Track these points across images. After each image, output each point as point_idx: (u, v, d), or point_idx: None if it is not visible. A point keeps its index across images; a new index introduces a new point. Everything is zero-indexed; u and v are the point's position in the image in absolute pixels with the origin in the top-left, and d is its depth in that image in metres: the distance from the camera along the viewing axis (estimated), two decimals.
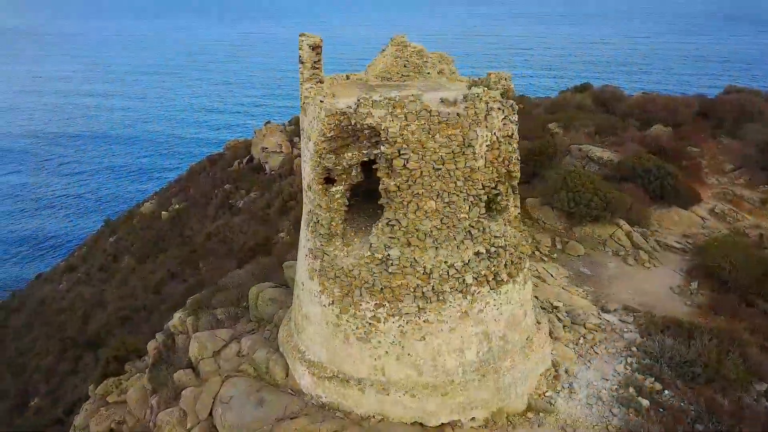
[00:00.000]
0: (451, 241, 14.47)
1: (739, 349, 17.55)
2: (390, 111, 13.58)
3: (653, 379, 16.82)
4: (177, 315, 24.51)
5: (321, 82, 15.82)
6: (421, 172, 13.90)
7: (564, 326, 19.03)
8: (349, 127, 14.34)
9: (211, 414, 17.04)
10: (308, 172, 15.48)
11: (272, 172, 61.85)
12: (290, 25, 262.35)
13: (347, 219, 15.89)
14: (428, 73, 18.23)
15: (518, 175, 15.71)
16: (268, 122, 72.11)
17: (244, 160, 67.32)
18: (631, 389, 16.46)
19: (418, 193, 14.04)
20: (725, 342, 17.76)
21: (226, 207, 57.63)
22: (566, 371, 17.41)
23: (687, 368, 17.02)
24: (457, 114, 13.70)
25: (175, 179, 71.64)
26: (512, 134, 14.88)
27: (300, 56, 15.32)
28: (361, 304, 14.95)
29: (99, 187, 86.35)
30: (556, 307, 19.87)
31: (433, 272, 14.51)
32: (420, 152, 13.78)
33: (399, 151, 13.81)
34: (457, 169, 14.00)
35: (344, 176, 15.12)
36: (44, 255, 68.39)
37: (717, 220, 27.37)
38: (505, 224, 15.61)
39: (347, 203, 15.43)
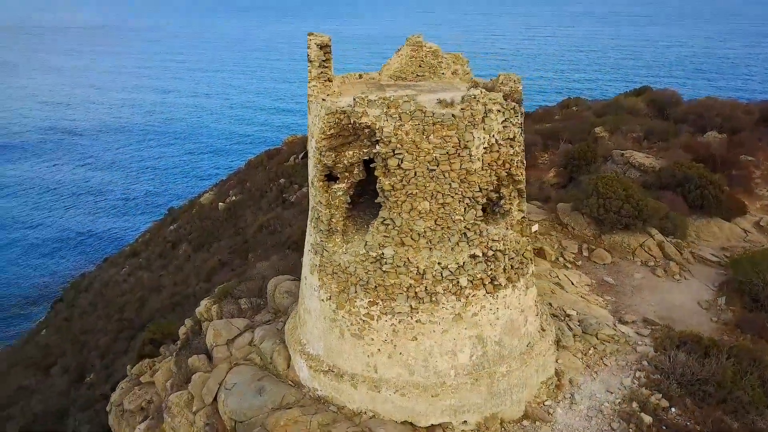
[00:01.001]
0: (446, 242, 14.42)
1: (758, 370, 16.66)
2: (385, 110, 13.68)
3: (660, 395, 16.18)
4: (204, 302, 25.40)
5: (330, 80, 16.06)
6: (415, 172, 13.93)
7: (574, 335, 18.58)
8: (349, 125, 14.53)
9: (216, 399, 17.64)
10: (311, 169, 15.77)
11: None
12: (356, 23, 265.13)
13: (352, 216, 16.11)
14: (443, 73, 18.18)
15: (522, 178, 15.48)
16: None
17: (300, 156, 68.81)
18: (634, 404, 15.92)
19: (412, 194, 14.08)
20: (744, 362, 16.91)
21: (279, 200, 59.03)
22: (570, 381, 17.02)
23: (698, 386, 16.30)
24: (453, 115, 13.64)
25: (234, 172, 73.75)
26: (514, 137, 14.67)
27: (308, 55, 15.62)
28: (355, 301, 15.13)
29: (164, 181, 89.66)
30: (569, 315, 19.41)
31: (426, 273, 14.51)
32: (414, 152, 13.81)
33: (393, 151, 13.89)
34: (452, 170, 13.94)
35: (347, 174, 15.34)
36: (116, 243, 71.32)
37: (761, 234, 25.95)
38: (507, 228, 15.41)
39: (349, 201, 15.64)
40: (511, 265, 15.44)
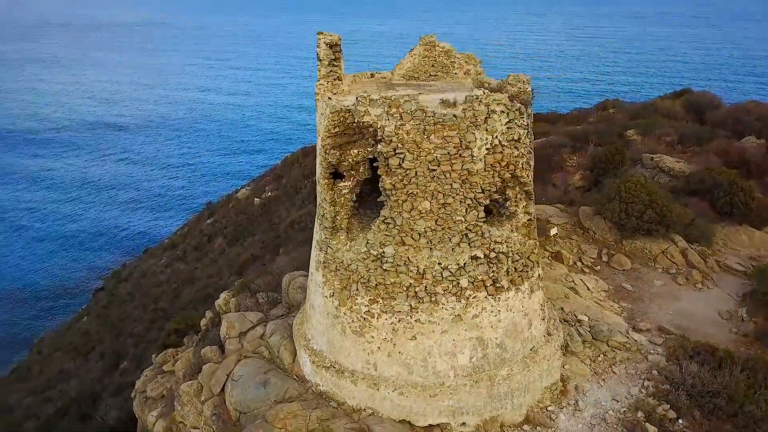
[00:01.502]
0: (446, 243, 14.39)
1: None
2: (386, 110, 13.73)
3: (668, 406, 15.80)
4: (223, 295, 25.92)
5: (339, 79, 16.19)
6: (416, 172, 13.94)
7: (584, 341, 18.28)
8: (354, 124, 14.63)
9: (223, 390, 18.01)
10: (317, 167, 15.94)
11: None
12: (391, 22, 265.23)
13: (359, 214, 16.24)
14: (455, 73, 18.11)
15: (529, 180, 15.30)
16: None
17: None
18: (640, 414, 15.59)
19: (412, 193, 14.10)
20: (759, 375, 16.35)
21: (312, 197, 59.60)
22: (576, 387, 16.77)
23: (709, 399, 15.85)
24: (454, 115, 13.60)
25: (271, 168, 74.70)
26: (519, 138, 14.51)
27: (317, 54, 15.78)
28: (357, 299, 15.24)
29: (201, 177, 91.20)
30: (580, 321, 19.10)
31: (426, 273, 14.51)
32: (415, 152, 13.82)
33: (395, 150, 13.93)
34: (453, 171, 13.90)
35: (352, 173, 15.46)
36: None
37: None
38: (511, 230, 15.27)
39: (355, 199, 15.77)
40: (515, 268, 15.29)
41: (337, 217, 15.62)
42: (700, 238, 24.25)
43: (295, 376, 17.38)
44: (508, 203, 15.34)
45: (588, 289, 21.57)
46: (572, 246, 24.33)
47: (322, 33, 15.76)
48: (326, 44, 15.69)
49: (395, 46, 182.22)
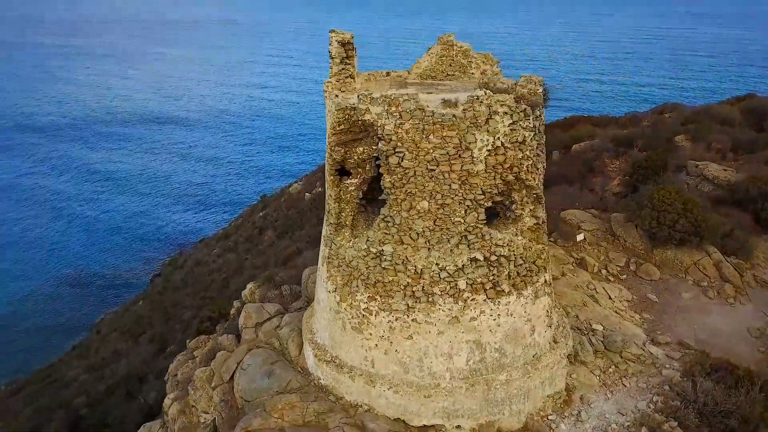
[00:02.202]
0: (445, 243, 14.30)
1: None
2: (386, 108, 13.78)
3: (676, 423, 15.17)
4: (249, 286, 26.61)
5: (351, 77, 16.32)
6: (415, 171, 13.93)
7: (596, 351, 17.78)
8: (359, 122, 14.75)
9: (232, 378, 18.51)
10: (326, 163, 16.14)
11: None
12: (456, 20, 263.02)
13: (368, 212, 16.35)
14: (472, 73, 17.92)
15: (536, 184, 15.01)
16: None
17: None
18: (644, 429, 15.04)
19: (411, 192, 14.09)
20: None
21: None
22: (581, 398, 16.34)
23: (720, 418, 15.12)
24: (454, 115, 13.49)
25: (322, 166, 75.44)
26: (524, 140, 14.26)
27: (330, 51, 15.96)
28: (356, 295, 15.36)
29: (256, 172, 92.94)
30: (594, 330, 18.57)
31: (424, 273, 14.47)
32: (414, 151, 13.81)
33: (394, 149, 13.96)
34: (452, 171, 13.81)
35: (359, 170, 15.58)
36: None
37: None
38: (516, 234, 15.02)
39: (362, 197, 15.88)
40: (518, 272, 15.04)
41: (342, 214, 15.78)
42: (738, 250, 23.07)
43: (299, 369, 17.68)
44: (513, 206, 15.12)
45: (610, 298, 20.93)
46: (599, 253, 23.64)
47: (334, 31, 15.92)
48: (338, 42, 15.84)
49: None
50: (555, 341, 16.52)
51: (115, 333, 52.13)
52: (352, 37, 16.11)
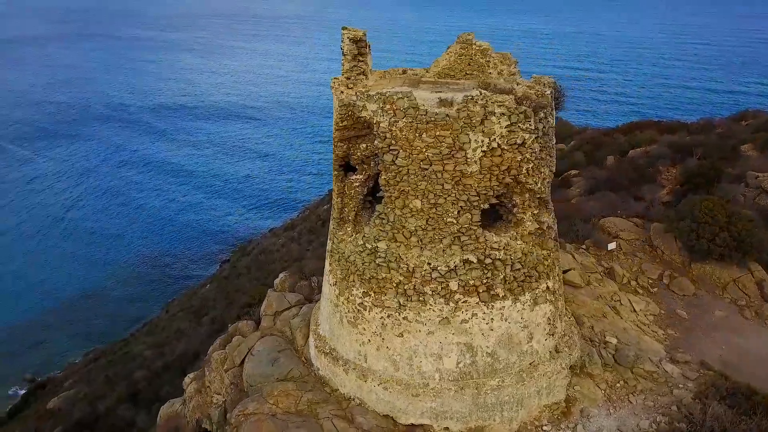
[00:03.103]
0: (437, 243, 14.23)
1: None
2: (381, 106, 13.84)
3: None
4: (281, 275, 27.30)
5: (364, 74, 16.47)
6: (408, 170, 13.92)
7: (605, 364, 17.12)
8: (360, 119, 14.89)
9: (243, 362, 19.15)
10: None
11: None
12: (552, 20, 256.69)
13: (374, 208, 16.47)
14: (490, 73, 17.62)
15: (539, 188, 14.65)
16: None
17: None
18: None
19: (404, 191, 14.10)
20: None
21: None
22: (581, 411, 15.82)
23: None
24: (447, 115, 13.38)
25: None
26: (524, 143, 13.93)
27: (341, 48, 16.17)
28: (353, 290, 15.54)
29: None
30: (608, 343, 17.87)
31: (416, 271, 14.46)
32: (408, 150, 13.81)
33: (389, 146, 14.01)
34: (445, 171, 13.70)
35: (364, 167, 15.73)
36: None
37: None
38: (514, 238, 14.72)
39: (366, 193, 16.03)
40: (515, 277, 14.73)
41: (345, 209, 15.98)
42: None
43: (303, 359, 18.07)
44: (515, 209, 14.82)
45: (634, 310, 20.05)
46: (633, 264, 22.65)
47: (346, 28, 16.12)
48: (350, 39, 16.03)
49: (535, 44, 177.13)
50: (557, 350, 16.05)
51: (181, 313, 54.82)
52: (365, 34, 16.24)
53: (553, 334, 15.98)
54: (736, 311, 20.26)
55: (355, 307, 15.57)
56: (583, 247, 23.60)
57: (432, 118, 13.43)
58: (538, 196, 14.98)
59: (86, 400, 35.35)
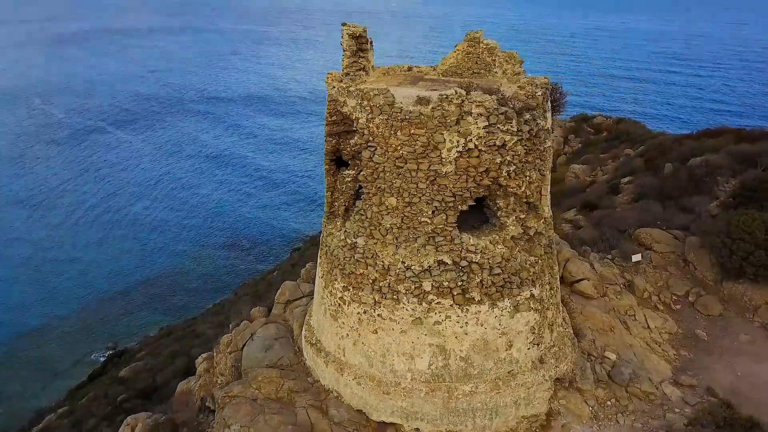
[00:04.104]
0: (412, 242, 14.12)
1: None
2: (359, 102, 13.88)
3: None
4: (308, 265, 27.85)
5: (364, 70, 16.55)
6: (384, 167, 13.89)
7: (598, 380, 16.36)
8: (344, 114, 14.99)
9: (245, 346, 19.79)
10: None
11: None
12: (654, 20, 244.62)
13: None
14: (495, 72, 17.18)
15: (523, 191, 14.21)
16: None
17: None
18: None
19: (381, 188, 14.08)
20: None
21: None
22: (563, 426, 15.26)
23: None
24: (421, 113, 13.23)
25: None
26: (504, 144, 13.55)
27: (341, 44, 16.30)
28: (335, 283, 15.70)
29: None
30: (606, 358, 17.04)
31: (391, 269, 14.41)
32: (384, 147, 13.77)
33: (367, 143, 14.03)
34: (419, 170, 13.56)
35: (357, 162, 15.83)
36: None
37: None
38: (494, 242, 14.35)
39: (357, 188, 16.11)
40: (492, 282, 14.36)
41: (335, 203, 16.13)
42: None
43: (297, 348, 18.43)
44: (499, 213, 14.45)
45: (647, 326, 18.98)
46: (659, 278, 21.40)
47: (346, 24, 16.25)
48: (349, 35, 16.14)
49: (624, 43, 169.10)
50: (541, 361, 15.52)
51: (246, 297, 57.05)
52: (365, 31, 16.31)
53: (538, 344, 15.46)
54: (764, 337, 18.74)
55: (336, 301, 15.73)
56: (609, 256, 22.54)
57: (406, 116, 13.33)
58: (526, 200, 14.53)
59: (150, 371, 37.55)
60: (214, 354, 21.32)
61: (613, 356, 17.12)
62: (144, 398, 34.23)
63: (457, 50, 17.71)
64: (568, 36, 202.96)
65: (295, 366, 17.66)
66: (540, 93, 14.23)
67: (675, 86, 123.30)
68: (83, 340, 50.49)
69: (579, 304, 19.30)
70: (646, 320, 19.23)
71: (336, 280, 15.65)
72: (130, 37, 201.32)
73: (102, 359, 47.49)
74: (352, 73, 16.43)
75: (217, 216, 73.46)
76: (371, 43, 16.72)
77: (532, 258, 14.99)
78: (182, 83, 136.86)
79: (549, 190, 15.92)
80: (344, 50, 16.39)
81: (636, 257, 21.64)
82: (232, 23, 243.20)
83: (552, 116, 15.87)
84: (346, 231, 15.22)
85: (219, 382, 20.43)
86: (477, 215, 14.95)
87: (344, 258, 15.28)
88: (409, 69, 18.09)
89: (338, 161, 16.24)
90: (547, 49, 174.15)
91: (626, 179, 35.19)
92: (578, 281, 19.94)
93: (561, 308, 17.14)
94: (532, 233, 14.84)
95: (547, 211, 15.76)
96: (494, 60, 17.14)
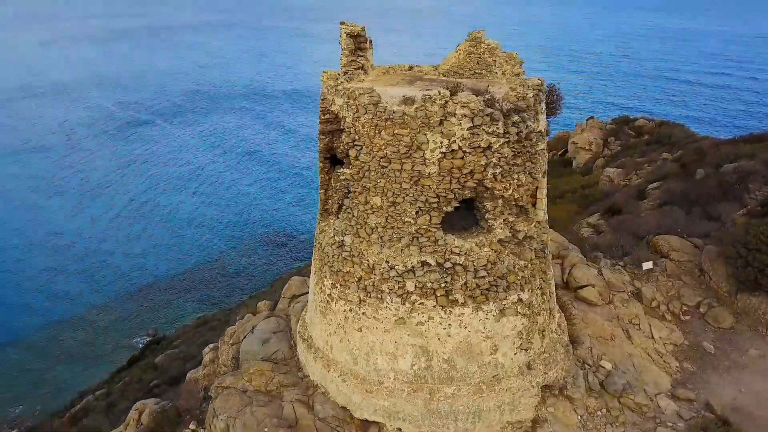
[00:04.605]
0: (396, 242, 14.10)
1: None
2: (346, 101, 13.94)
3: None
4: None
5: (362, 69, 16.61)
6: (369, 166, 13.92)
7: (590, 389, 16.01)
8: (333, 112, 15.07)
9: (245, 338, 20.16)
10: None
11: (578, 169, 60.84)
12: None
13: None
14: (496, 72, 16.96)
15: (508, 194, 14.02)
16: (591, 117, 70.02)
17: (559, 153, 67.40)
18: None
19: (366, 187, 14.12)
20: None
21: None
22: None
23: None
24: (404, 113, 13.20)
25: None
26: (490, 146, 13.38)
27: (340, 43, 16.38)
28: (324, 280, 15.84)
29: None
30: (601, 367, 16.65)
31: (375, 268, 14.44)
32: (369, 146, 13.81)
33: (353, 141, 14.10)
34: (403, 170, 13.53)
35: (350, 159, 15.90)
36: None
37: None
38: (479, 245, 14.19)
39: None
40: (477, 284, 14.21)
41: (329, 201, 16.25)
42: None
43: (293, 342, 18.66)
44: (487, 216, 14.29)
45: (651, 337, 18.44)
46: (670, 287, 20.73)
47: (344, 23, 16.33)
48: (347, 34, 16.23)
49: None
50: (529, 367, 15.27)
51: (278, 291, 57.81)
52: (363, 30, 16.37)
53: (526, 350, 15.22)
54: None
55: (325, 297, 15.86)
56: (621, 263, 21.96)
57: (390, 116, 13.32)
58: (515, 203, 14.32)
59: (182, 359, 38.64)
60: (219, 345, 21.77)
61: (608, 365, 16.72)
62: (173, 384, 35.16)
63: (459, 50, 17.57)
64: (619, 36, 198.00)
65: (289, 360, 17.89)
66: (531, 94, 13.98)
67: (729, 89, 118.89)
68: (125, 326, 52.52)
69: (581, 310, 18.91)
70: (651, 330, 18.69)
71: (326, 277, 15.77)
72: (181, 33, 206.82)
73: (141, 345, 49.18)
74: (350, 72, 16.51)
75: (254, 211, 74.78)
76: (371, 42, 16.76)
77: (522, 262, 14.76)
78: (228, 79, 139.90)
79: (545, 194, 15.64)
80: (342, 49, 16.48)
81: (647, 265, 21.03)
82: (282, 21, 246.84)
83: (547, 118, 15.57)
84: (335, 229, 15.32)
85: (221, 372, 20.88)
86: (470, 217, 14.83)
87: (333, 255, 15.39)
88: (410, 68, 18.04)
89: (333, 159, 16.33)
90: (595, 48, 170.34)
91: (655, 184, 34.15)
92: (582, 287, 19.53)
93: (556, 314, 16.81)
94: (521, 237, 14.62)
95: (542, 215, 15.49)
96: (495, 60, 16.92)
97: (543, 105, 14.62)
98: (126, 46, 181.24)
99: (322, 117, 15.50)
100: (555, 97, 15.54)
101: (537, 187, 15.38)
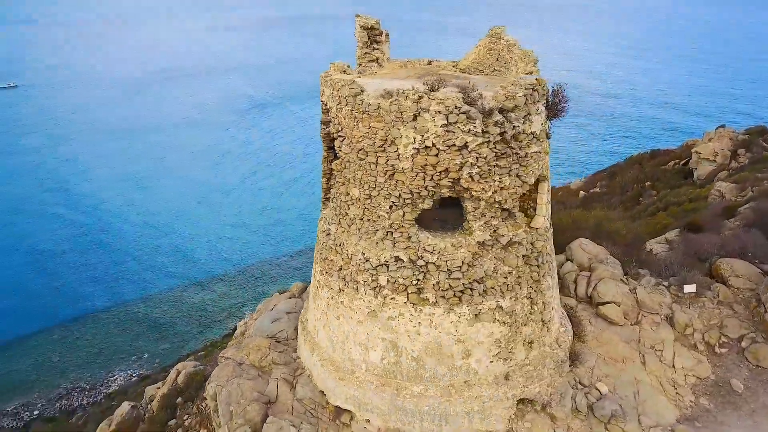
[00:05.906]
0: (372, 235, 14.15)
1: None
2: (331, 92, 14.15)
3: None
4: None
5: (376, 61, 16.71)
6: (349, 158, 14.06)
7: (576, 410, 15.06)
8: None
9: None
10: None
11: (698, 180, 56.53)
12: None
13: None
14: (511, 69, 16.26)
15: (487, 196, 13.53)
16: (722, 126, 64.49)
17: (681, 162, 63.01)
18: None
19: (347, 178, 14.29)
20: None
21: (635, 200, 56.01)
22: None
23: None
24: (380, 107, 13.17)
25: (613, 165, 71.04)
26: (466, 145, 12.99)
27: (355, 35, 16.57)
28: (316, 266, 16.25)
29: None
30: (596, 389, 15.57)
31: (353, 259, 14.60)
32: (349, 138, 13.94)
33: (337, 132, 14.30)
34: (378, 164, 13.53)
35: None
36: None
37: None
38: (458, 246, 13.84)
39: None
40: (450, 285, 13.88)
41: (331, 190, 16.57)
42: None
43: (300, 323, 19.27)
44: (468, 216, 13.92)
45: (672, 366, 16.87)
46: (715, 315, 18.76)
47: (359, 15, 16.50)
48: (361, 27, 16.42)
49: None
50: (507, 378, 14.68)
51: None
52: (378, 23, 16.46)
53: (505, 359, 14.64)
54: None
55: (315, 283, 16.29)
56: (665, 283, 20.20)
57: (366, 109, 13.35)
58: (500, 206, 13.79)
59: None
60: (248, 319, 22.96)
61: (604, 389, 15.60)
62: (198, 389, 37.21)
63: (479, 46, 17.08)
64: None
65: (291, 341, 18.53)
66: (521, 94, 13.34)
67: None
68: (239, 295, 55.54)
69: (598, 328, 17.74)
70: (674, 358, 17.10)
71: (317, 263, 16.17)
72: (325, 23, 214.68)
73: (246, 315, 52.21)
74: (363, 64, 16.68)
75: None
76: (387, 35, 16.79)
77: (506, 268, 14.20)
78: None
79: (546, 200, 14.89)
80: (357, 41, 16.67)
81: (689, 288, 19.18)
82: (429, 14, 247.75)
83: (549, 120, 14.74)
84: (324, 218, 15.65)
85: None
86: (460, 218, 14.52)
87: (322, 243, 15.75)
88: (429, 63, 17.83)
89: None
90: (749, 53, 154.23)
91: (749, 204, 30.71)
92: (604, 303, 18.27)
93: (555, 327, 15.93)
94: (505, 242, 14.04)
95: (541, 221, 14.77)
96: (512, 57, 16.26)
97: (539, 106, 13.89)
98: (274, 34, 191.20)
99: (323, 107, 15.81)
100: (559, 98, 14.60)
101: (538, 192, 14.72)
